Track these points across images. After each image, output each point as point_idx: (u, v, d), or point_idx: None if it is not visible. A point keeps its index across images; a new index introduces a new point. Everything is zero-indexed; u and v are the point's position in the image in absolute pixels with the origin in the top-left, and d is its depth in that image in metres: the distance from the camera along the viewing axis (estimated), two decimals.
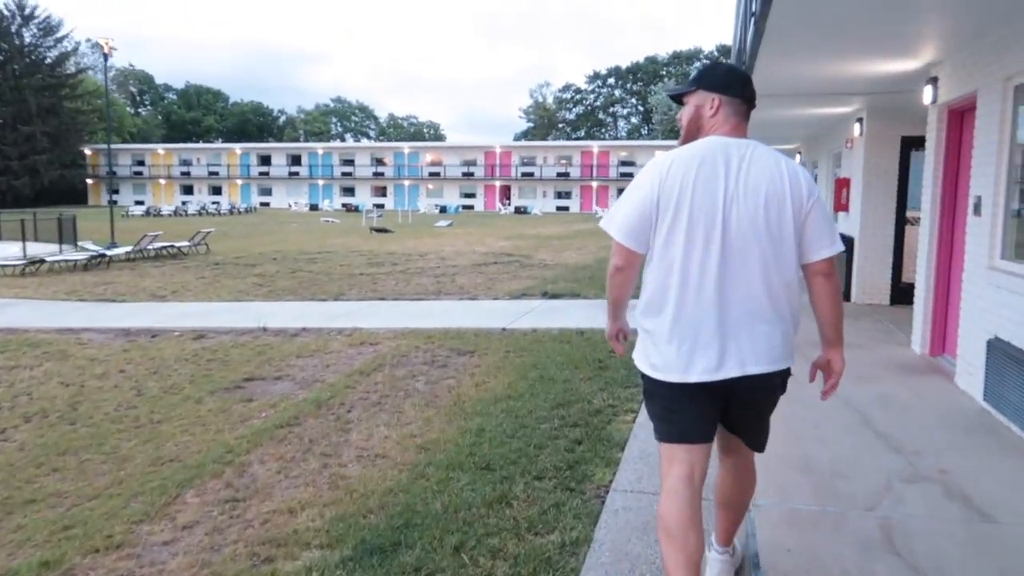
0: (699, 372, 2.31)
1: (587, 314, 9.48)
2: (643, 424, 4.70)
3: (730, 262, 2.30)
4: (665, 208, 2.33)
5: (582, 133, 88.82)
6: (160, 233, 20.40)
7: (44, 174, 61.38)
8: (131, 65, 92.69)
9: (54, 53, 66.01)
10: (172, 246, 19.63)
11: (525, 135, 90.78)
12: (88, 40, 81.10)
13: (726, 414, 2.48)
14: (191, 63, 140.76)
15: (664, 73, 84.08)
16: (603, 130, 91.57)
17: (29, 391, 6.56)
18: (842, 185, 10.39)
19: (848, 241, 9.89)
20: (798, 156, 17.65)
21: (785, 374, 2.45)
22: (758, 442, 2.62)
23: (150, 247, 18.90)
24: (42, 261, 16.15)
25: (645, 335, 2.44)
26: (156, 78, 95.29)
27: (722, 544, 2.86)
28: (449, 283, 13.22)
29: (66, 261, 16.86)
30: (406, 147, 66.88)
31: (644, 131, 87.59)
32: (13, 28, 63.31)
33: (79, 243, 19.73)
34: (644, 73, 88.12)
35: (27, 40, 64.17)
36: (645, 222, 2.36)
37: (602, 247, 21.59)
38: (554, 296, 11.20)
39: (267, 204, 65.74)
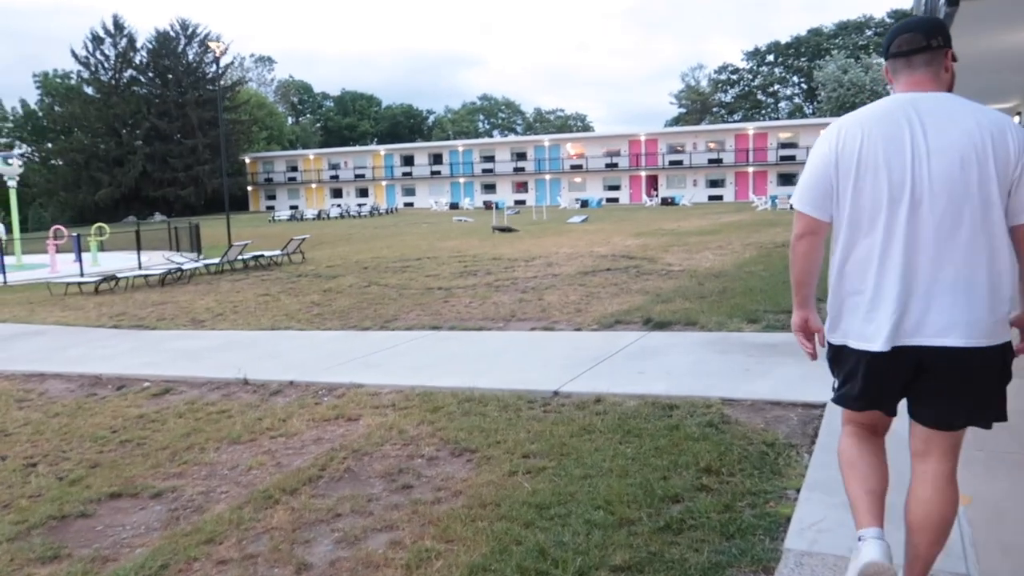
0: (881, 340, 2.10)
1: (693, 362, 6.27)
2: None
3: (922, 225, 2.08)
4: (847, 170, 2.16)
5: (739, 116, 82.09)
6: (248, 243, 19.04)
7: (207, 183, 64.67)
8: (291, 77, 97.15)
9: (214, 68, 69.59)
10: (262, 255, 18.16)
11: (676, 122, 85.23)
12: (252, 55, 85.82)
13: (915, 392, 2.17)
14: (350, 73, 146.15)
15: (829, 46, 74.83)
16: (762, 111, 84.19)
17: None
18: None
19: None
20: (1017, 117, 13.10)
21: (995, 354, 2.08)
22: (947, 421, 2.16)
23: (239, 257, 17.52)
24: (115, 278, 14.99)
25: (832, 296, 2.28)
26: (315, 87, 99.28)
27: None
28: (533, 302, 10.34)
29: (145, 276, 15.69)
30: (547, 140, 64.35)
31: (808, 110, 79.65)
32: (179, 48, 67.24)
33: (165, 255, 18.74)
34: (807, 47, 79.65)
35: (190, 57, 67.96)
36: (825, 186, 2.21)
37: (748, 245, 17.79)
38: (658, 325, 8.00)
39: (411, 204, 65.64)
